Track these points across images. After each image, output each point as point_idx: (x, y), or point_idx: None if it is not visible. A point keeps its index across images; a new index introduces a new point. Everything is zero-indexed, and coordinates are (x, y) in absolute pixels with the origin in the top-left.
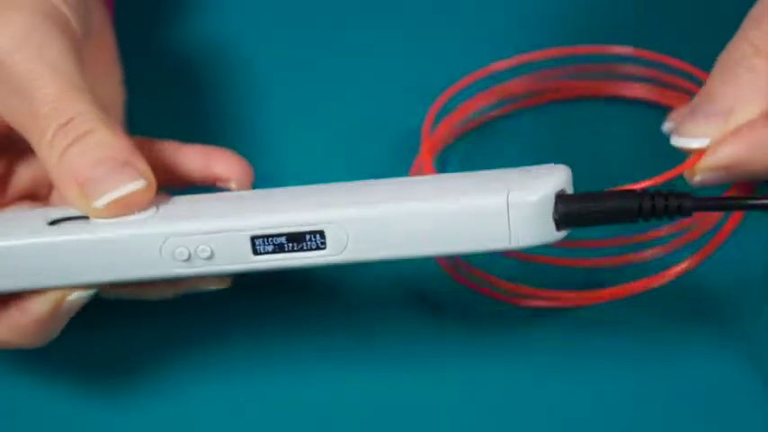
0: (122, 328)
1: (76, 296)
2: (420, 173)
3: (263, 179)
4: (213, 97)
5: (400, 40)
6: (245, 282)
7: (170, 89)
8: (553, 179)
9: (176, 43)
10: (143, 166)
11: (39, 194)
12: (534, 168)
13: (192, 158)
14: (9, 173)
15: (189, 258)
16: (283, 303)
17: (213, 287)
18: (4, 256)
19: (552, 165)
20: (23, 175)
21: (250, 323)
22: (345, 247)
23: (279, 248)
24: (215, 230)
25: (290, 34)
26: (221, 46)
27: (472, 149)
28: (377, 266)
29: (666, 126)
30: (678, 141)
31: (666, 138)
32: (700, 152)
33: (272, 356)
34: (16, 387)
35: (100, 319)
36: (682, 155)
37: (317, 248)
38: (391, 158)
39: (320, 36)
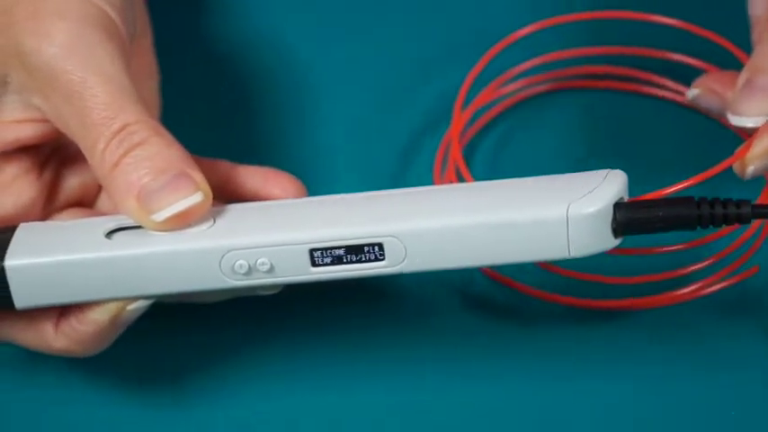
0: (168, 333)
1: (135, 307)
2: (448, 155)
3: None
4: (248, 89)
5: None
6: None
7: (202, 89)
8: (612, 188)
9: (206, 42)
10: (199, 177)
11: (86, 201)
12: (590, 175)
13: (249, 180)
14: (58, 180)
15: (248, 271)
16: (334, 309)
17: (266, 292)
18: (64, 271)
19: (608, 170)
20: (72, 183)
21: (294, 330)
22: (404, 259)
23: (337, 260)
24: (274, 244)
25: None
26: (250, 37)
27: (506, 131)
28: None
29: (690, 93)
30: (736, 120)
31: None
32: (750, 140)
33: (321, 363)
34: (68, 390)
35: (145, 323)
36: (718, 156)
37: (376, 260)
38: (422, 131)
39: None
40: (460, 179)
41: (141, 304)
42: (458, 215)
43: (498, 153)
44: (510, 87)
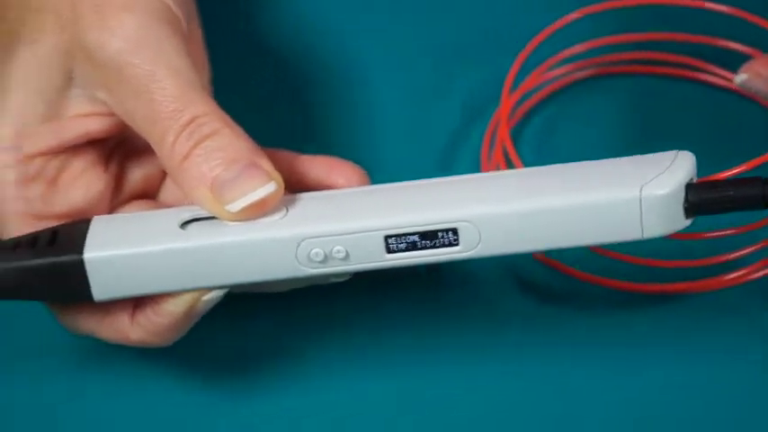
0: (238, 321)
1: (210, 297)
2: (495, 136)
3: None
4: (295, 77)
5: None
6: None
7: (247, 80)
8: (683, 169)
9: (253, 32)
10: (269, 167)
11: (149, 193)
12: (658, 156)
13: (313, 169)
14: (123, 173)
15: (324, 260)
16: (405, 293)
17: (338, 280)
18: (141, 262)
19: (676, 151)
20: (136, 175)
21: (352, 319)
22: (478, 244)
23: (411, 246)
24: (350, 231)
25: None
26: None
27: (552, 115)
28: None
29: (738, 78)
30: None
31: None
32: None
33: (381, 351)
34: (141, 380)
35: (219, 311)
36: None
37: (450, 245)
38: (469, 116)
39: None
40: (508, 160)
41: (216, 294)
42: (532, 199)
43: (544, 136)
44: (556, 72)
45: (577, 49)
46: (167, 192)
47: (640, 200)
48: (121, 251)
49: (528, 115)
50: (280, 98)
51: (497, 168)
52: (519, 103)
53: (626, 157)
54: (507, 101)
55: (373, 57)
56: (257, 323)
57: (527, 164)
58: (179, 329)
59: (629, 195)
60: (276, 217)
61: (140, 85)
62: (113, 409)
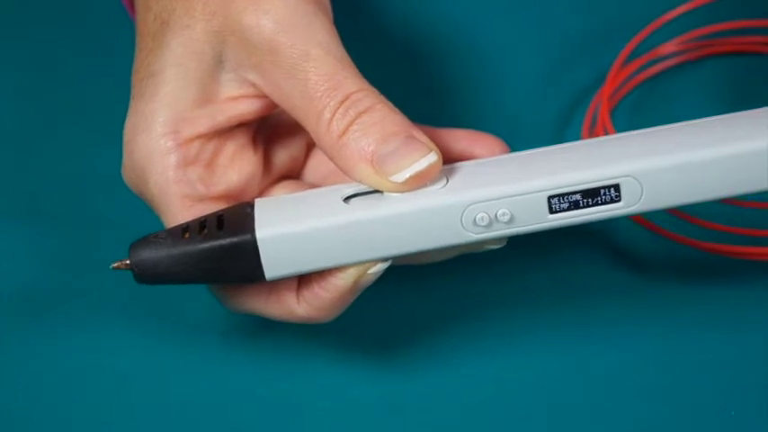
0: (391, 298)
1: (375, 270)
2: (596, 118)
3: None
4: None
5: None
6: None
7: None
8: None
9: (371, 16)
10: (426, 139)
11: (294, 173)
12: None
13: (456, 143)
14: (269, 154)
15: (489, 224)
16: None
17: (494, 246)
18: (311, 238)
19: None
20: (281, 156)
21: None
22: (640, 199)
23: (574, 205)
24: (514, 194)
25: None
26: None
27: (654, 99)
28: None
29: None
30: None
31: None
32: None
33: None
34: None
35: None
36: None
37: (612, 202)
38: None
39: None
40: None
41: (381, 266)
42: (690, 150)
43: (644, 115)
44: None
45: (678, 40)
46: (310, 172)
47: None
48: (291, 229)
49: (628, 96)
50: (395, 78)
51: None
52: (619, 87)
53: (754, 110)
54: (616, 76)
55: (494, 41)
56: (402, 300)
57: None
58: (345, 303)
59: None
60: (438, 186)
61: (295, 65)
62: (262, 385)
